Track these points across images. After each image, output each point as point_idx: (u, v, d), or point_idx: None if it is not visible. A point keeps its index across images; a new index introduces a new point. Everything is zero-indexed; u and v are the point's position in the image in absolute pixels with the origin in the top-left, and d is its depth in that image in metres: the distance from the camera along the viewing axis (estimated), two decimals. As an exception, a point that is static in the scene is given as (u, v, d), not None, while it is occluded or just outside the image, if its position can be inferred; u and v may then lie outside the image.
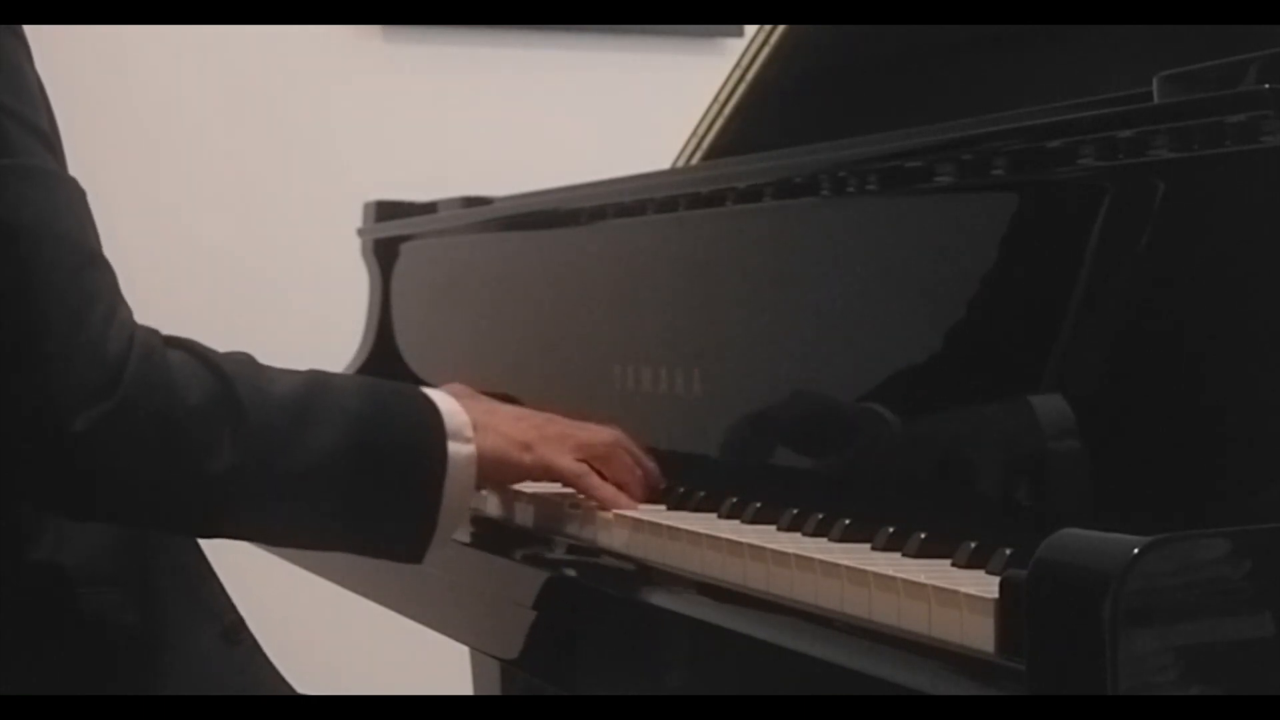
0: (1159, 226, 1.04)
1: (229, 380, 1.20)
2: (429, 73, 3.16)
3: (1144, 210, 1.04)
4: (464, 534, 1.46)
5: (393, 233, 2.11)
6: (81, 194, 1.21)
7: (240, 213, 3.01)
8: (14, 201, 1.15)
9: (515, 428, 1.34)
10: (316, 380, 1.26)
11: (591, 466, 1.36)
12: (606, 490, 1.34)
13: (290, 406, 1.23)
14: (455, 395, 1.33)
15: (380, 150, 3.09)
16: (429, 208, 2.07)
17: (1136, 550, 0.82)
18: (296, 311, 2.88)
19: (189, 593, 1.31)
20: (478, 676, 2.16)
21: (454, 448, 1.28)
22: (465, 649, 2.02)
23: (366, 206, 2.18)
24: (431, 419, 1.28)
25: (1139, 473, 1.02)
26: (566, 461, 1.35)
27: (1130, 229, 1.05)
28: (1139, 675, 0.82)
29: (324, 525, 1.28)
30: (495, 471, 1.33)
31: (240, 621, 1.34)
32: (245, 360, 1.24)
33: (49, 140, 1.20)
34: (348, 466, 1.24)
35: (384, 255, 2.13)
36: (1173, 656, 0.83)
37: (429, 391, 1.32)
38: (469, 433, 1.29)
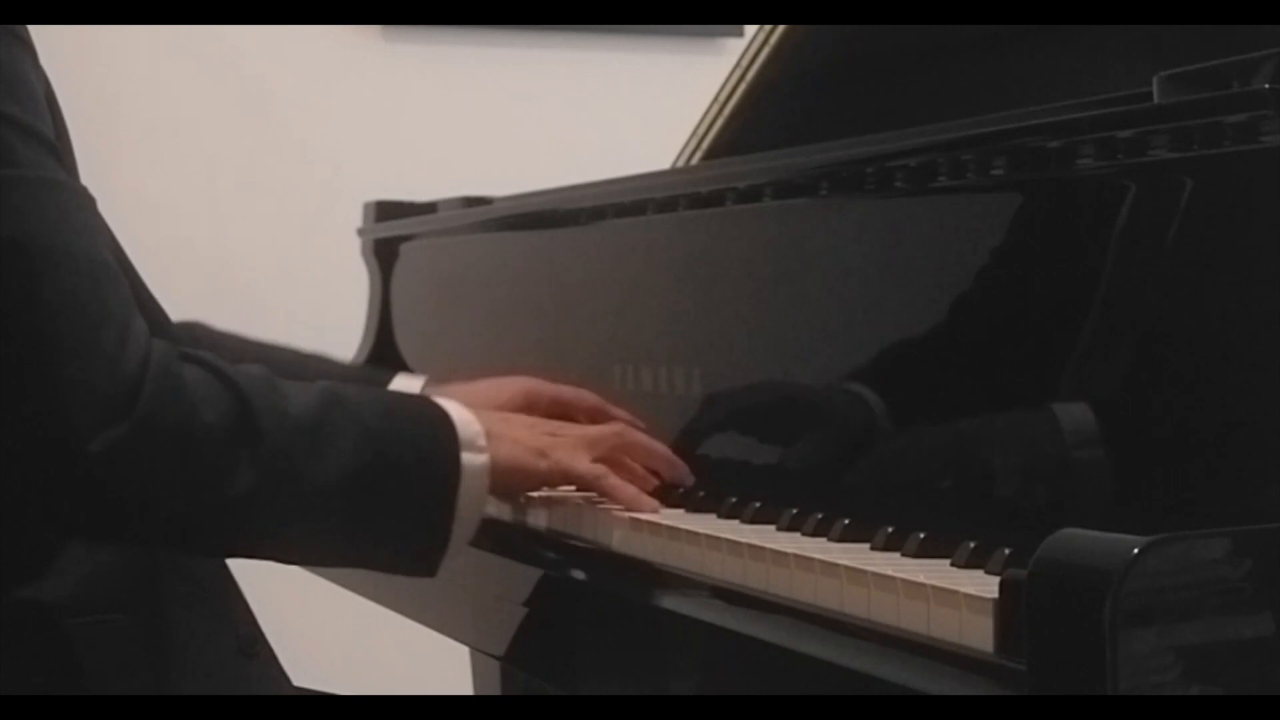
0: (1159, 226, 1.04)
1: (245, 399, 1.19)
2: (429, 73, 3.16)
3: (1144, 210, 1.04)
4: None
5: (393, 233, 2.11)
6: (91, 203, 1.19)
7: (240, 213, 3.01)
8: (20, 216, 1.13)
9: (529, 434, 1.33)
10: (331, 395, 1.25)
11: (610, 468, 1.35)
12: (627, 491, 1.33)
13: (306, 424, 1.21)
14: (469, 402, 1.32)
15: (380, 150, 3.09)
16: (429, 208, 2.07)
17: (1136, 550, 0.82)
18: (296, 311, 2.87)
19: (204, 605, 1.29)
20: (478, 676, 2.16)
21: (467, 458, 1.27)
22: (465, 649, 2.02)
23: (366, 206, 2.18)
24: (444, 430, 1.27)
25: (1139, 473, 1.02)
26: (584, 465, 1.34)
27: (1130, 229, 1.05)
28: (1139, 675, 0.82)
29: (340, 542, 1.27)
30: (511, 479, 1.32)
31: (256, 633, 1.32)
32: (261, 376, 1.22)
33: (55, 148, 1.18)
34: (362, 482, 1.23)
35: (384, 255, 2.13)
36: (1173, 656, 0.83)
37: (442, 401, 1.31)
38: (482, 442, 1.28)
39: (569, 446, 1.34)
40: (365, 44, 3.12)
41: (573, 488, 1.39)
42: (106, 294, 1.16)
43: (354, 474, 1.22)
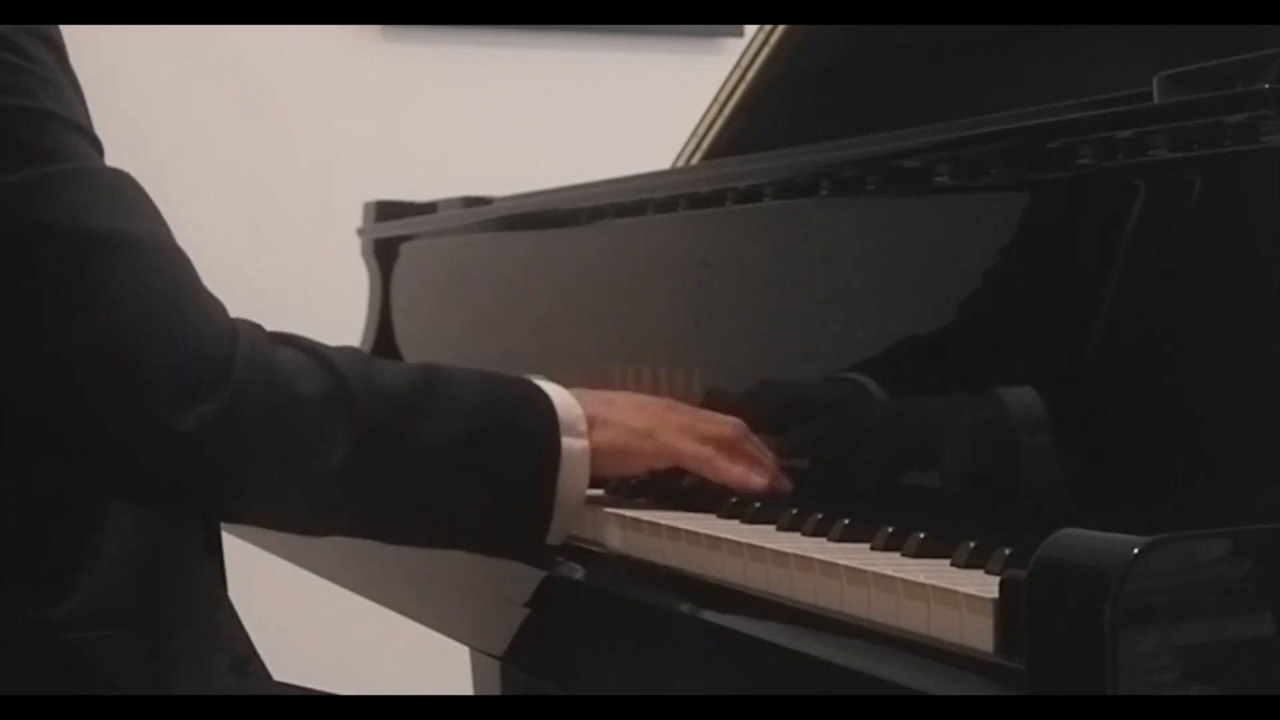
0: (1159, 226, 1.04)
1: (339, 373, 1.18)
2: (429, 73, 3.16)
3: (1144, 210, 1.04)
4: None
5: (393, 233, 2.11)
6: (142, 189, 1.18)
7: (240, 213, 3.01)
8: (82, 208, 1.12)
9: (634, 417, 1.31)
10: (428, 372, 1.25)
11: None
12: (735, 471, 1.30)
13: (402, 398, 1.21)
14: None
15: (380, 150, 3.09)
16: (429, 208, 2.07)
17: (1136, 550, 0.82)
18: (296, 311, 2.87)
19: (200, 622, 1.28)
20: (478, 676, 2.16)
21: (568, 442, 1.26)
22: (465, 649, 2.02)
23: (366, 206, 2.19)
24: (545, 413, 1.26)
25: (1139, 473, 1.02)
26: (691, 446, 1.31)
27: (1130, 229, 1.05)
28: (1139, 675, 0.82)
29: (434, 520, 1.26)
30: (617, 463, 1.31)
31: (251, 651, 1.30)
32: (354, 353, 1.22)
33: (99, 144, 1.18)
34: (460, 460, 1.22)
35: (384, 255, 2.13)
36: (1173, 656, 0.83)
37: (542, 384, 1.29)
38: (583, 426, 1.27)
39: (675, 428, 1.31)
40: (365, 44, 3.12)
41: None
42: (177, 274, 1.15)
43: (449, 450, 1.21)
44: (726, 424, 1.33)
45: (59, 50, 1.18)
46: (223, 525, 1.35)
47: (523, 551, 1.30)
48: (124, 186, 1.17)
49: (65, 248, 1.11)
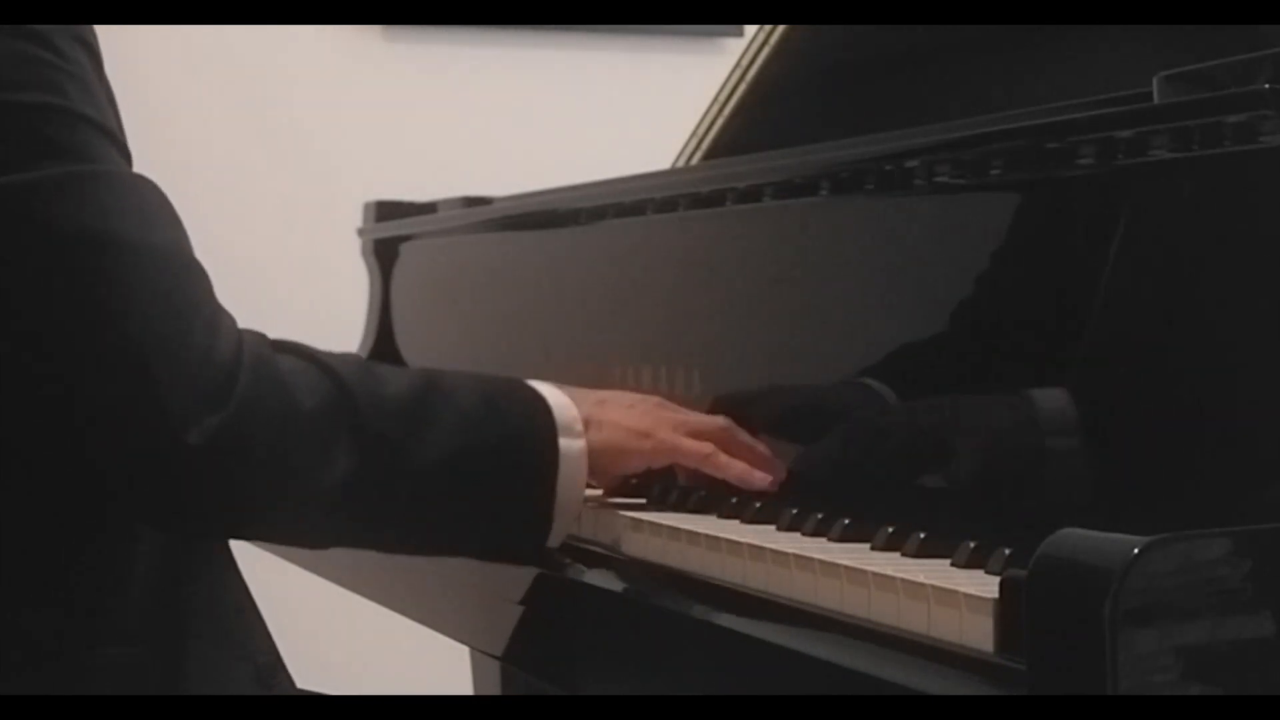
0: (1159, 226, 1.04)
1: (343, 384, 1.18)
2: (429, 73, 3.16)
3: (1144, 210, 1.04)
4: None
5: (393, 233, 2.11)
6: (165, 199, 1.17)
7: (240, 213, 3.01)
8: (104, 211, 1.11)
9: (629, 416, 1.31)
10: (428, 380, 1.24)
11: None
12: (736, 467, 1.30)
13: (404, 409, 1.20)
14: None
15: (380, 150, 3.09)
16: (429, 208, 2.07)
17: (1137, 550, 0.82)
18: (296, 311, 2.87)
19: (223, 636, 1.25)
20: (478, 676, 2.16)
21: (565, 443, 1.26)
22: (465, 649, 2.02)
23: (366, 206, 2.19)
24: (541, 415, 1.26)
25: (1139, 473, 1.02)
26: (689, 442, 1.31)
27: (1130, 229, 1.05)
28: (1139, 675, 0.82)
29: (438, 528, 1.26)
30: (614, 463, 1.31)
31: (275, 662, 1.28)
32: (357, 362, 1.21)
33: (127, 151, 1.18)
34: (460, 466, 1.22)
35: (384, 255, 2.13)
36: (1173, 656, 0.83)
37: (537, 386, 1.30)
38: (579, 427, 1.27)
39: (671, 425, 1.32)
40: (365, 44, 3.12)
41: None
42: (194, 287, 1.15)
43: (452, 458, 1.21)
44: (717, 420, 1.34)
45: (95, 56, 1.17)
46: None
47: (524, 557, 1.30)
48: (148, 194, 1.16)
49: (83, 250, 1.10)
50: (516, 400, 1.28)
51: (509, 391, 1.29)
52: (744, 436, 1.33)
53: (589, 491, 1.32)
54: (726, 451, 1.32)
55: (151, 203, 1.16)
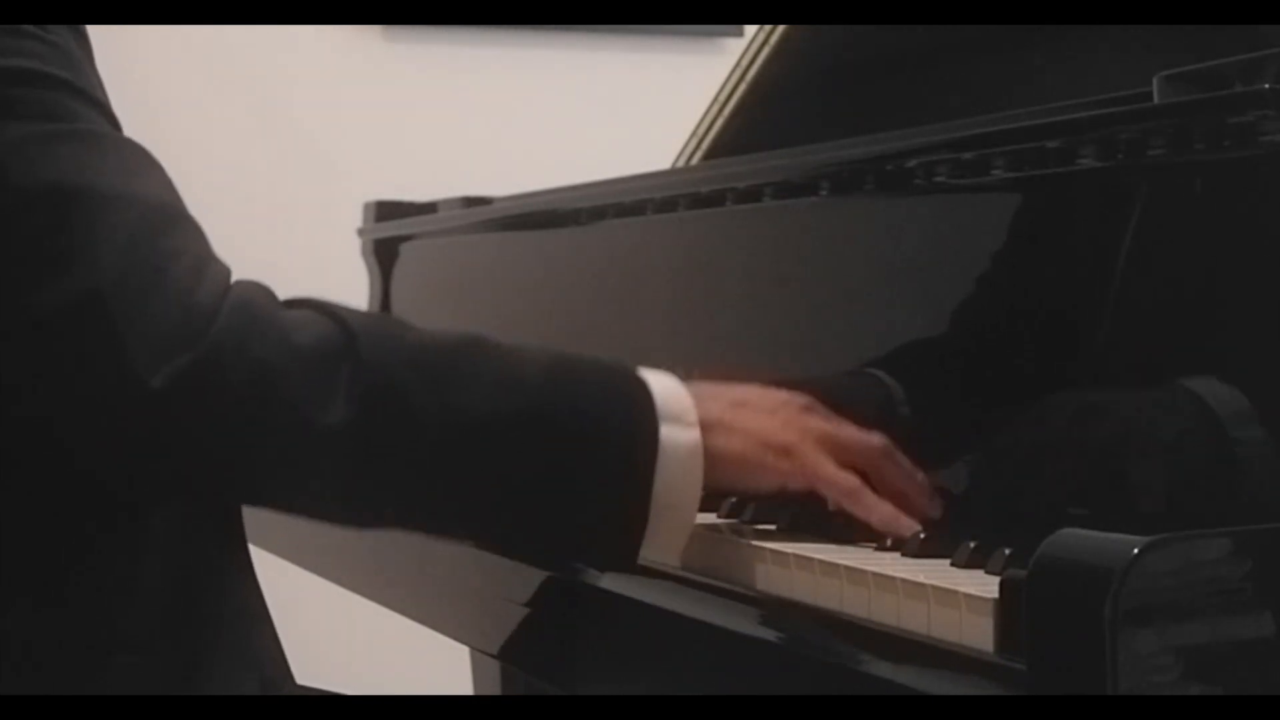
0: (1159, 226, 1.04)
1: (348, 328, 1.07)
2: (429, 73, 3.16)
3: (1144, 210, 1.04)
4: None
5: (393, 233, 2.11)
6: (153, 159, 1.13)
7: (240, 213, 3.01)
8: (79, 165, 1.07)
9: (769, 424, 1.13)
10: (473, 339, 1.12)
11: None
12: (885, 509, 1.11)
13: (429, 360, 1.08)
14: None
15: (380, 150, 3.09)
16: (429, 208, 2.07)
17: (1137, 550, 0.82)
18: (296, 311, 2.88)
19: (232, 643, 1.18)
20: (478, 676, 2.16)
21: (669, 431, 1.09)
22: (465, 649, 2.02)
23: (366, 206, 2.19)
24: (638, 396, 1.10)
25: (1139, 472, 1.02)
26: (834, 472, 1.12)
27: (1130, 229, 1.05)
28: (1139, 675, 0.82)
29: (459, 507, 1.11)
30: (739, 476, 1.13)
31: (284, 673, 1.23)
32: (376, 314, 1.13)
33: (114, 118, 1.14)
34: (503, 434, 1.07)
35: (384, 255, 2.13)
36: (1173, 656, 0.83)
37: (647, 372, 1.13)
38: (693, 418, 1.10)
39: (817, 441, 1.13)
40: (365, 44, 3.12)
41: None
42: (176, 236, 1.08)
43: (486, 423, 1.07)
44: (873, 440, 1.15)
45: (85, 42, 1.17)
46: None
47: (610, 564, 1.16)
48: (130, 152, 1.13)
49: (55, 202, 1.06)
50: (599, 374, 1.12)
51: (590, 365, 1.13)
52: (901, 462, 1.15)
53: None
54: (878, 478, 1.14)
55: (135, 160, 1.12)
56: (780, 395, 1.17)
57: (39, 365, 1.07)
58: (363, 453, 1.07)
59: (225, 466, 1.09)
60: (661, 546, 1.12)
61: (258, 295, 1.09)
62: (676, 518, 1.11)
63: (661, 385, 1.12)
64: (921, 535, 1.09)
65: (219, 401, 1.04)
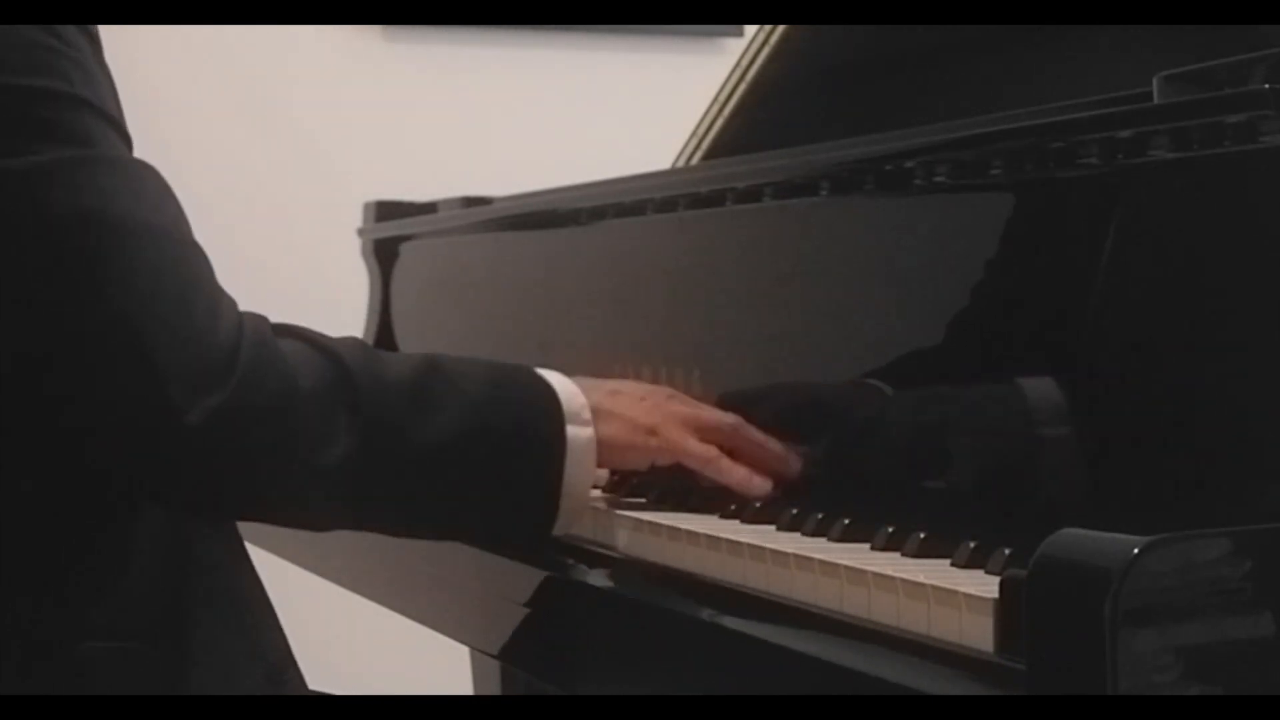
0: (1159, 226, 1.04)
1: (343, 364, 1.18)
2: (429, 73, 3.16)
3: (1144, 210, 1.04)
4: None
5: (393, 233, 2.11)
6: (166, 184, 1.18)
7: (240, 213, 3.01)
8: (103, 193, 1.12)
9: (638, 409, 1.31)
10: (431, 364, 1.24)
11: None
12: (739, 472, 1.29)
13: (406, 391, 1.20)
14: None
15: (380, 150, 3.09)
16: (429, 208, 2.07)
17: (1137, 550, 0.82)
18: (296, 311, 2.87)
19: (235, 636, 1.24)
20: (478, 676, 2.16)
21: (573, 431, 1.26)
22: (465, 649, 2.02)
23: (366, 206, 2.19)
24: (548, 402, 1.26)
25: (1139, 472, 1.02)
26: (695, 445, 1.30)
27: (1130, 229, 1.05)
28: (1139, 675, 0.82)
29: (439, 513, 1.26)
30: (618, 457, 1.30)
31: (288, 661, 1.28)
32: (358, 345, 1.22)
33: (128, 137, 1.18)
34: (464, 450, 1.22)
35: (384, 255, 2.13)
36: (1173, 656, 0.83)
37: (545, 374, 1.29)
38: (588, 415, 1.27)
39: (679, 424, 1.31)
40: (365, 44, 3.12)
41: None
42: (193, 268, 1.15)
43: (455, 441, 1.21)
44: (727, 418, 1.32)
45: (96, 44, 1.18)
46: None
47: (527, 545, 1.30)
48: (149, 179, 1.16)
49: (85, 232, 1.11)
50: (523, 386, 1.28)
51: (515, 378, 1.29)
52: (753, 434, 1.32)
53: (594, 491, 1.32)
54: (735, 450, 1.31)
55: (151, 186, 1.16)
56: (646, 385, 1.37)
57: (70, 384, 1.12)
58: (362, 480, 1.19)
59: (240, 497, 1.18)
60: (562, 525, 1.28)
61: (265, 333, 1.17)
62: (576, 500, 1.28)
63: (562, 386, 1.28)
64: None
65: (244, 441, 1.13)
